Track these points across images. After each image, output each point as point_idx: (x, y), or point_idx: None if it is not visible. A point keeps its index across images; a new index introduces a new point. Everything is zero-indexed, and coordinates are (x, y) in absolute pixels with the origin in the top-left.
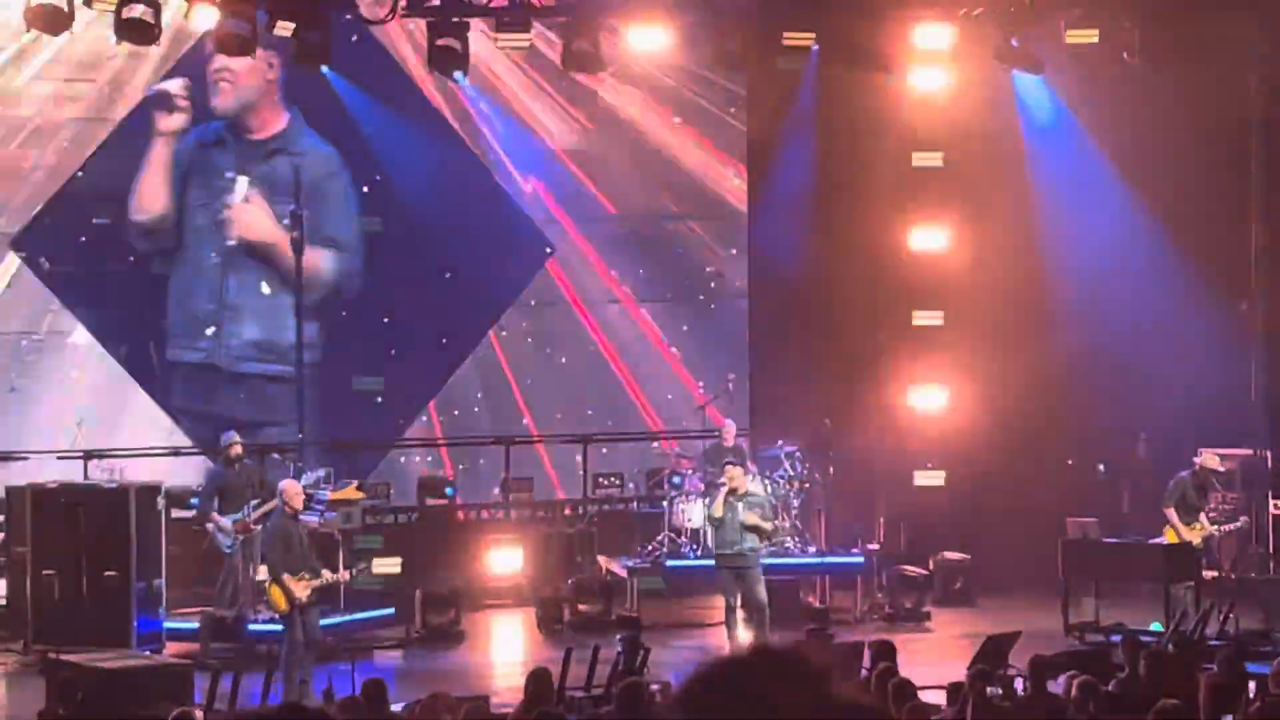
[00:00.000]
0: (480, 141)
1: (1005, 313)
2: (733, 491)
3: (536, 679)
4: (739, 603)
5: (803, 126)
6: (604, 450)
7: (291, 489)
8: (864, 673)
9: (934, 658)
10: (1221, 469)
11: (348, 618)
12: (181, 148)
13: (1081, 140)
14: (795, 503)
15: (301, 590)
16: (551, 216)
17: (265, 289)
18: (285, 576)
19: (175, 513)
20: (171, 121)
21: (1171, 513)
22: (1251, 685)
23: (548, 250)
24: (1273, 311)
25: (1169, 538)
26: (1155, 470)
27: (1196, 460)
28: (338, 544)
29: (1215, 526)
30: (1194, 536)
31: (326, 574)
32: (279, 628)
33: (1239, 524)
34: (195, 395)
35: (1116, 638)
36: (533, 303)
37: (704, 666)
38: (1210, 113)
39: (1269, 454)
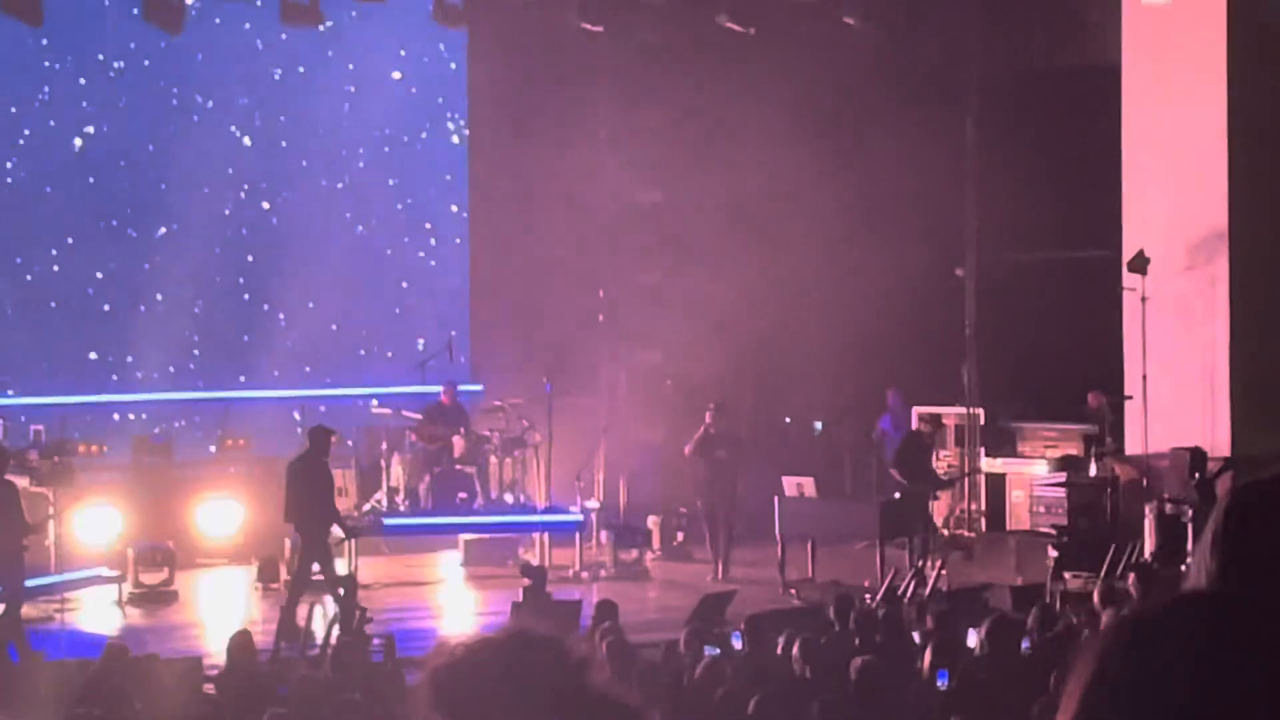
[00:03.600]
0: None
1: (723, 271)
2: None
3: (237, 642)
4: None
5: (525, 82)
6: (322, 408)
7: None
8: (582, 631)
9: (652, 615)
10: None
11: (59, 578)
12: None
13: (800, 97)
14: (515, 460)
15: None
16: (273, 164)
17: None
18: None
19: None
20: None
21: (894, 474)
22: (972, 638)
23: (264, 203)
24: (984, 275)
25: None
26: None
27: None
28: (49, 503)
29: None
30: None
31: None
32: None
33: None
34: None
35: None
36: (250, 256)
37: (458, 647)
38: (929, 75)
39: (980, 412)
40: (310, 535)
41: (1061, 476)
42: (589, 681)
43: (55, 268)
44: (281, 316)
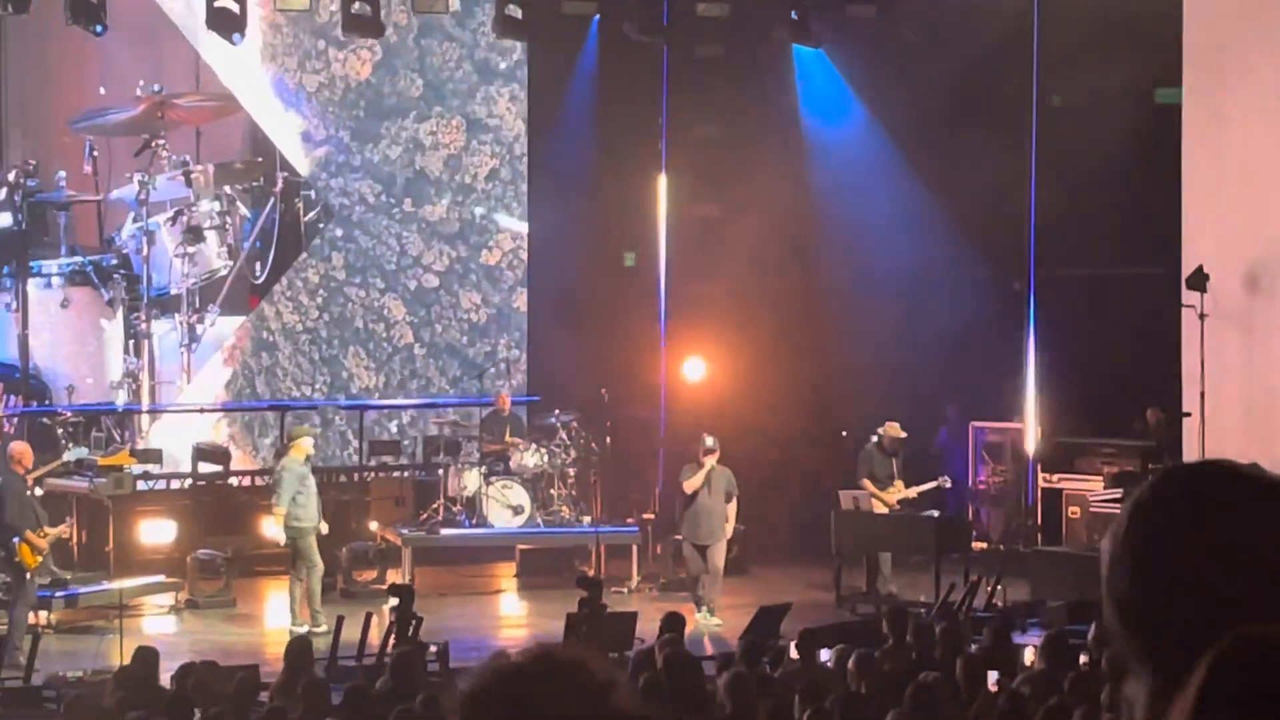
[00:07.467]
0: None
1: (780, 282)
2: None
3: (295, 648)
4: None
5: (583, 95)
6: (376, 416)
7: (19, 449)
8: (638, 643)
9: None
10: (904, 435)
11: (117, 585)
12: None
13: (860, 114)
14: (571, 472)
15: (43, 543)
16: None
17: None
18: (28, 533)
19: None
20: None
21: (867, 483)
22: (1028, 654)
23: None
24: (1043, 290)
25: (876, 508)
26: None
27: (880, 430)
28: (108, 510)
29: (911, 489)
30: (889, 500)
31: (62, 528)
32: None
33: (937, 482)
34: None
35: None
36: (311, 278)
37: (485, 671)
38: (991, 89)
39: (1039, 429)
40: None
41: (1118, 493)
42: (615, 705)
43: None
44: (330, 328)
